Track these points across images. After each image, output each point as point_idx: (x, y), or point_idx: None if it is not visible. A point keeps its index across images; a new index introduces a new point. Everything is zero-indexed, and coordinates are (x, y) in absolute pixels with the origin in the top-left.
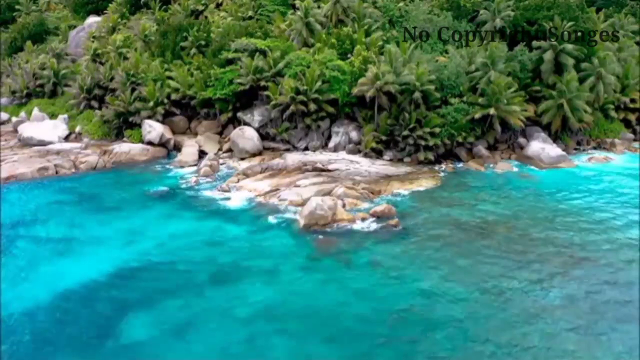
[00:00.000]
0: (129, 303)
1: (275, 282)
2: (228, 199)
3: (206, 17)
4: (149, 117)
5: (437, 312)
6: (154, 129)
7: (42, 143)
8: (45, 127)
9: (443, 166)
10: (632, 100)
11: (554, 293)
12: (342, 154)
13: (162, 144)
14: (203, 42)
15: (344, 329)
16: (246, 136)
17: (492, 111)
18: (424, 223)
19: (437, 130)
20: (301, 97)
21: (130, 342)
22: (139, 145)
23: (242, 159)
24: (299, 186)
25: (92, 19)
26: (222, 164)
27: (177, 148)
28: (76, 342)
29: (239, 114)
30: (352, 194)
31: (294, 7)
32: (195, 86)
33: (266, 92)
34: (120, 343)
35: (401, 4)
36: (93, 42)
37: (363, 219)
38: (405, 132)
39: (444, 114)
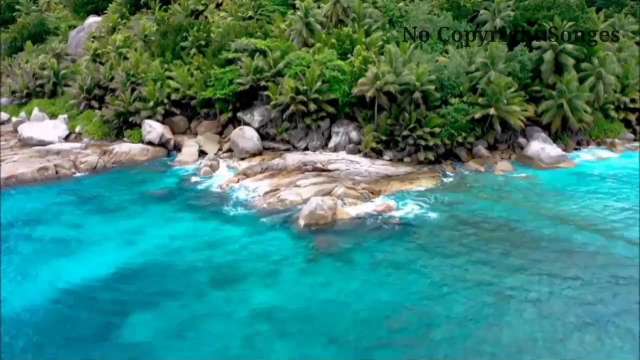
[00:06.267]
0: (129, 304)
1: (275, 283)
2: (228, 199)
3: (206, 17)
4: (149, 117)
5: (437, 312)
6: (154, 129)
7: (42, 143)
8: (45, 127)
9: (443, 166)
10: (632, 100)
11: (555, 292)
12: (342, 154)
13: (162, 144)
14: (203, 42)
15: (344, 331)
16: (246, 136)
17: (492, 111)
18: (424, 223)
19: (437, 130)
20: (301, 97)
21: (130, 342)
22: (139, 145)
23: (242, 159)
24: (299, 186)
25: (92, 19)
26: (222, 164)
27: (177, 148)
28: (76, 342)
29: (239, 114)
30: (352, 194)
31: (294, 7)
32: (195, 86)
33: (266, 92)
34: (120, 344)
35: (401, 4)
36: (93, 42)
37: (363, 219)
38: (405, 132)
39: (444, 114)
